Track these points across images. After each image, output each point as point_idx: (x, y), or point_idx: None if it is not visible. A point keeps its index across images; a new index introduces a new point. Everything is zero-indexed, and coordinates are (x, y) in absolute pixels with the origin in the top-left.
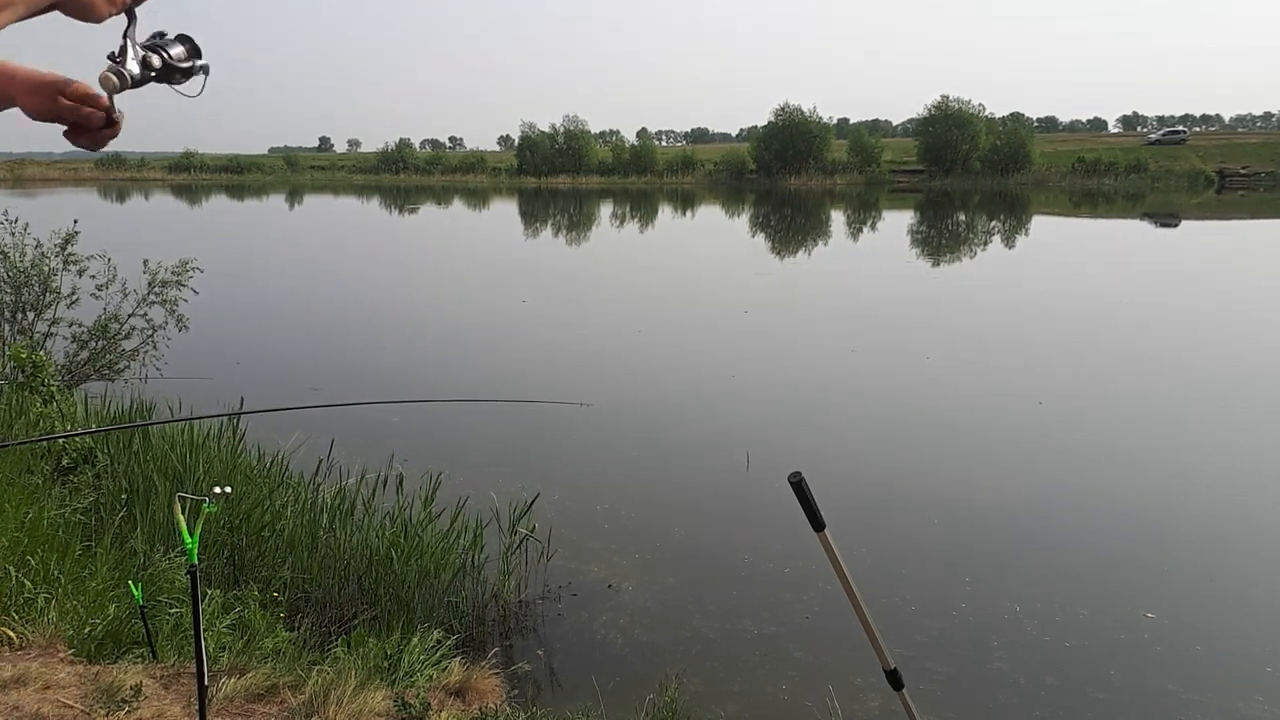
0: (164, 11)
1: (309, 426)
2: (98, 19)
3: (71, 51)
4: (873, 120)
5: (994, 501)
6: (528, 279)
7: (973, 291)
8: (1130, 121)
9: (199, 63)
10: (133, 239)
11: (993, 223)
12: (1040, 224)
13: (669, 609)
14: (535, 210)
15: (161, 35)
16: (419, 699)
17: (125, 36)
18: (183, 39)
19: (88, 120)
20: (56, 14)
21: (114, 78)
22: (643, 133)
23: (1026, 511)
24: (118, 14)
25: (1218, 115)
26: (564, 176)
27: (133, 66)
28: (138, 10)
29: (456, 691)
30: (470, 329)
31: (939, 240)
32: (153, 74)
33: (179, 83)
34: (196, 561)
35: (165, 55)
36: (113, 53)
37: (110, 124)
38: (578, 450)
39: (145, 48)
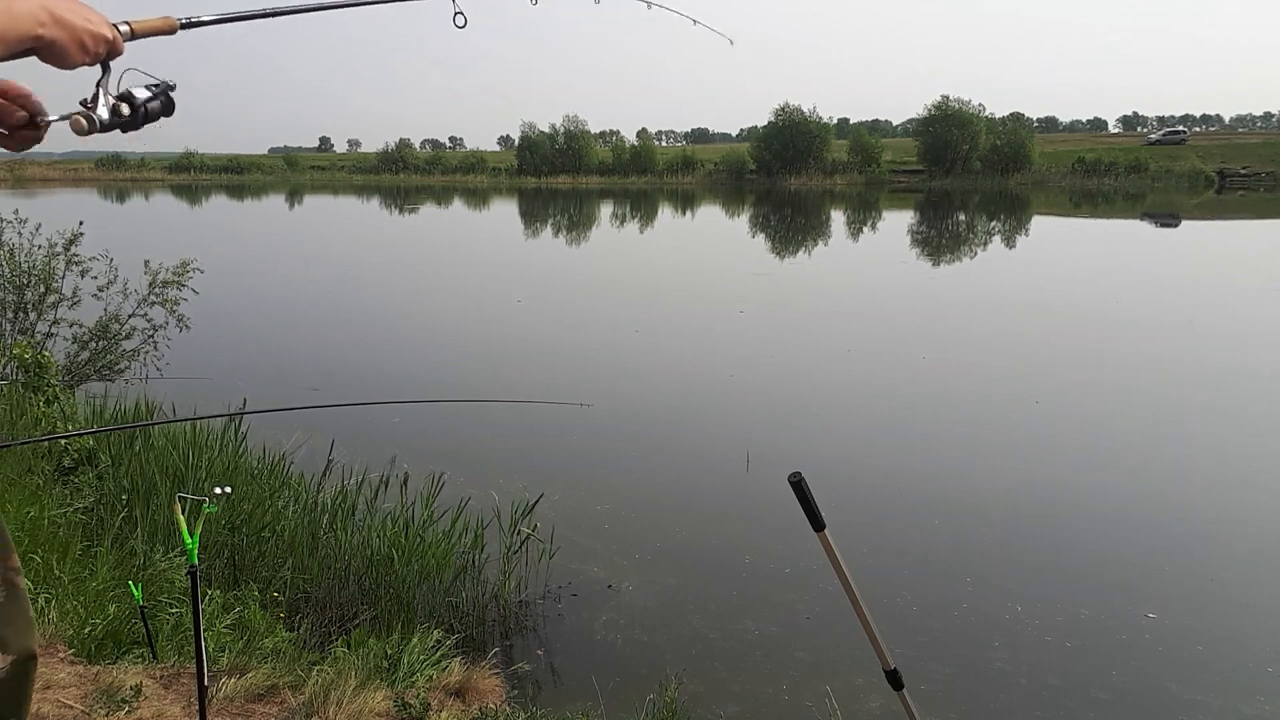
0: (163, 12)
1: (310, 426)
2: (71, 66)
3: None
4: (873, 120)
5: (994, 501)
6: (528, 279)
7: (972, 291)
8: (1130, 121)
9: (165, 118)
10: (133, 240)
11: (993, 223)
12: (1040, 224)
13: (669, 609)
14: (535, 210)
15: (138, 84)
16: (419, 699)
17: (98, 85)
18: (157, 93)
19: (8, 116)
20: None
21: (83, 121)
22: (643, 133)
23: (1027, 511)
24: (92, 64)
25: (1218, 115)
26: (564, 176)
27: (102, 113)
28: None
29: (456, 691)
30: (471, 329)
31: (939, 240)
32: (122, 120)
33: (141, 125)
34: (196, 562)
35: (137, 105)
36: (85, 99)
37: (33, 126)
38: (578, 450)
39: (118, 97)
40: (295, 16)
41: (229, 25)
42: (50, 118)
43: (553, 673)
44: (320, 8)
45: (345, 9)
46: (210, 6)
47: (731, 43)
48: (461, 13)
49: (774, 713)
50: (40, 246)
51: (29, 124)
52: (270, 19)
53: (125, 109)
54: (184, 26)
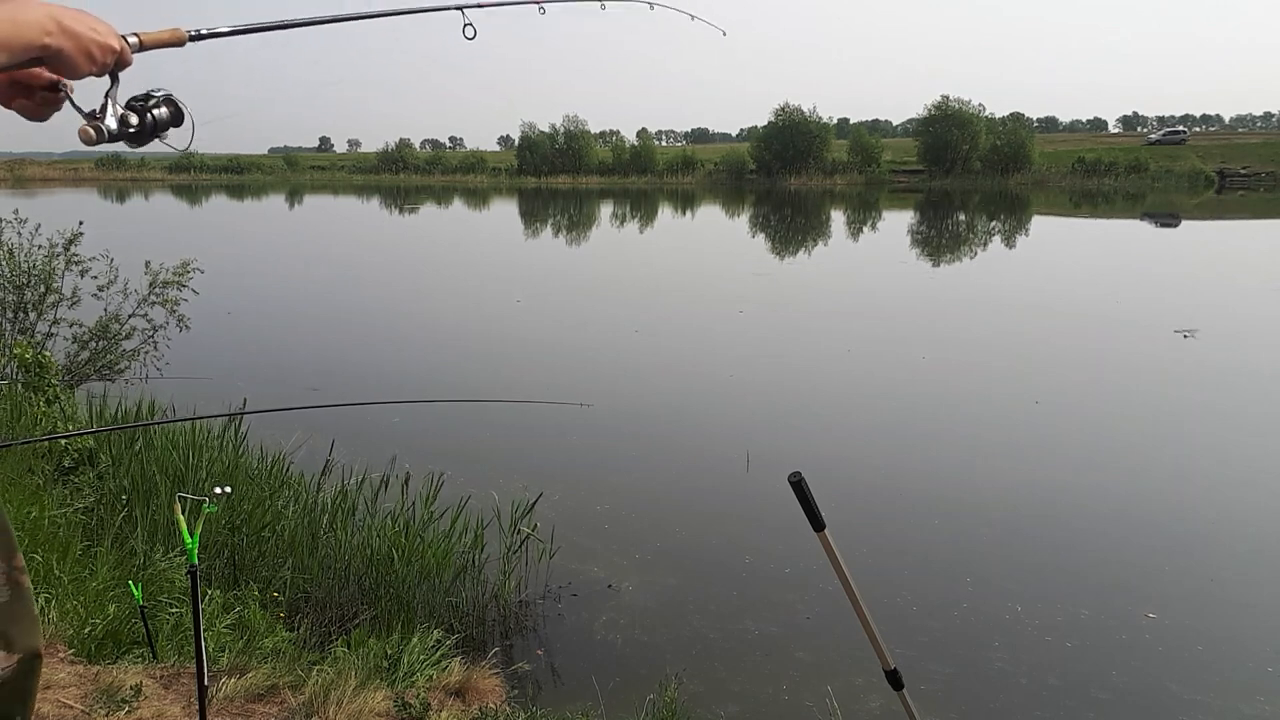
0: (161, 11)
1: (309, 426)
2: (78, 76)
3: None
4: (873, 120)
5: (995, 501)
6: (528, 279)
7: (972, 291)
8: (1130, 121)
9: (174, 129)
10: (133, 240)
11: (993, 223)
12: (1040, 224)
13: (669, 609)
14: (535, 210)
15: (148, 97)
16: (419, 699)
17: (106, 96)
18: (168, 101)
19: (34, 79)
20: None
21: (91, 131)
22: (643, 133)
23: (1027, 511)
24: (99, 74)
25: (1218, 115)
26: (564, 176)
27: (110, 123)
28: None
29: (456, 691)
30: (471, 329)
31: (939, 240)
32: (131, 131)
33: (154, 139)
34: (196, 562)
35: (147, 116)
36: (94, 110)
37: (54, 89)
38: (578, 450)
39: (126, 107)
40: (292, 14)
41: (226, 21)
42: (71, 87)
43: (553, 673)
44: (328, 20)
45: (356, 22)
46: (218, 17)
47: (724, 34)
48: (471, 24)
49: (774, 713)
50: (40, 246)
51: (51, 86)
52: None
53: (134, 119)
54: (193, 39)
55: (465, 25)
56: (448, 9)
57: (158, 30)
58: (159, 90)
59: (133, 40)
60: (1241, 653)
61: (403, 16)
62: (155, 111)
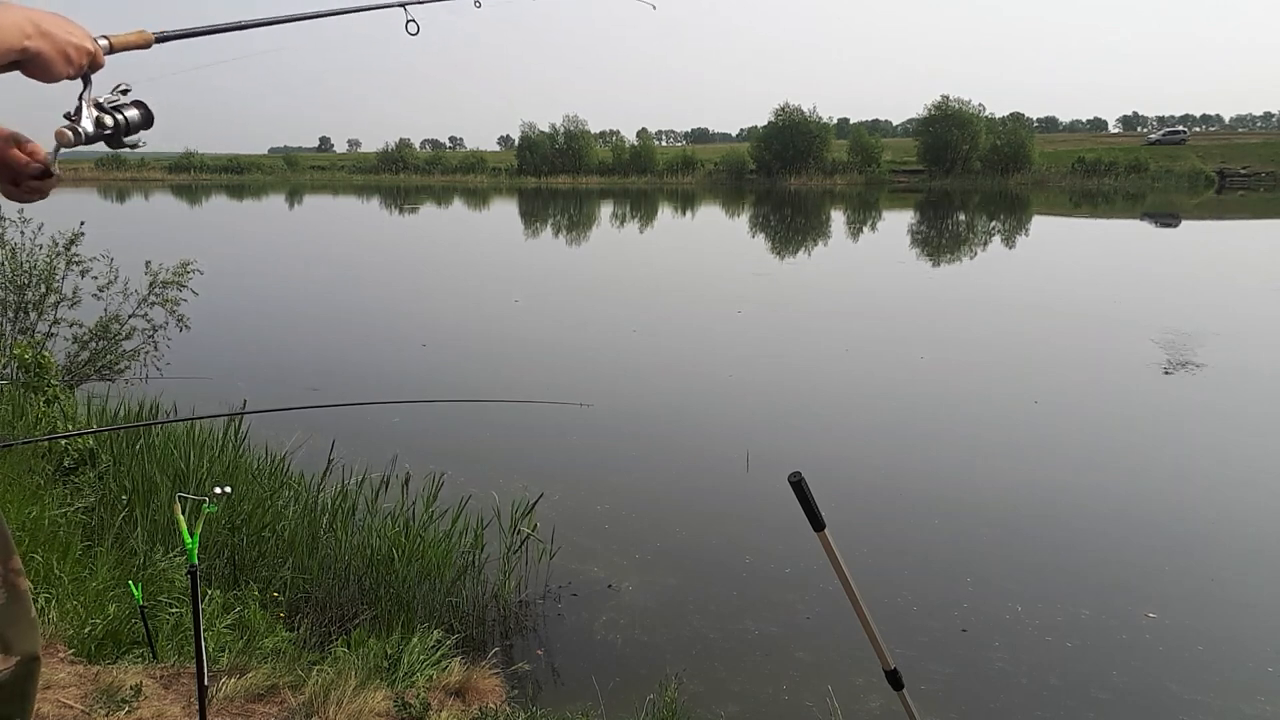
0: (159, 12)
1: (310, 426)
2: (55, 79)
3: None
4: (873, 120)
5: (995, 501)
6: (528, 279)
7: (972, 291)
8: (1130, 121)
9: (144, 133)
10: (133, 240)
11: (993, 223)
12: (1040, 224)
13: (669, 609)
14: (535, 210)
15: (119, 97)
16: (419, 699)
17: (80, 98)
18: (138, 104)
19: (24, 168)
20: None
21: (69, 133)
22: (643, 133)
23: (1027, 511)
24: (74, 77)
25: (1218, 115)
26: (564, 176)
27: (86, 125)
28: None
29: (456, 691)
30: (471, 329)
31: (939, 240)
32: (106, 132)
33: (125, 143)
34: (196, 562)
35: (119, 118)
36: (69, 112)
37: (46, 175)
38: (578, 450)
39: (100, 109)
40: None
41: (225, 21)
42: (56, 170)
43: (553, 673)
44: (279, 21)
45: (304, 21)
46: (188, 18)
47: (654, 7)
48: (414, 20)
49: (774, 713)
50: (41, 246)
51: (43, 174)
52: (244, 30)
53: (109, 120)
54: (159, 40)
55: (408, 21)
56: (390, 6)
57: (126, 33)
58: (124, 88)
59: (103, 43)
60: (1241, 653)
61: (346, 15)
62: (127, 114)
